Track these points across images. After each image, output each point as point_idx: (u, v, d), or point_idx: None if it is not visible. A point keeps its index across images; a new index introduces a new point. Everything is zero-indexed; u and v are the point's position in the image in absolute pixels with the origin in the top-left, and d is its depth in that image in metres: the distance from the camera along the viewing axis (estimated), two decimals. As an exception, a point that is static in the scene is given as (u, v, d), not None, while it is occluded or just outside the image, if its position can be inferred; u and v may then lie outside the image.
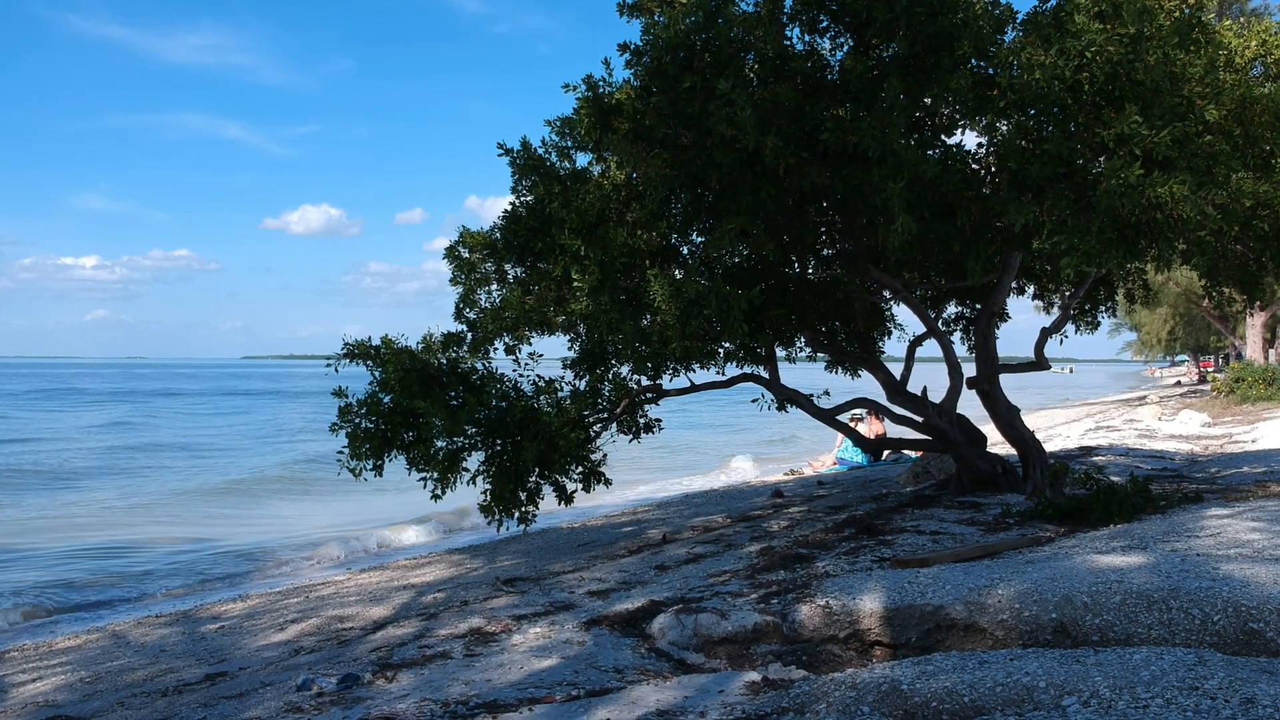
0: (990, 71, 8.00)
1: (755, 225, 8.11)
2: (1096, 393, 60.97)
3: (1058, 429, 27.82)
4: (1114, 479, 11.06)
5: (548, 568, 9.00)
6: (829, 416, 11.23)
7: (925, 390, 10.79)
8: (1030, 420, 11.01)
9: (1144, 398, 44.99)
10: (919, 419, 11.16)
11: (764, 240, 8.22)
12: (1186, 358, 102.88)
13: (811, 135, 8.26)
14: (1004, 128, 7.57)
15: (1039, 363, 11.13)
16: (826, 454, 20.80)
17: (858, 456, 19.29)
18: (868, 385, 13.28)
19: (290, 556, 12.90)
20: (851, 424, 19.90)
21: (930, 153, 7.79)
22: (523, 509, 9.65)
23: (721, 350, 9.76)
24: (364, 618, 7.30)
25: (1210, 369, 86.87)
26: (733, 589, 6.80)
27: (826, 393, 11.36)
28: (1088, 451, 17.30)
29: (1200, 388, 52.53)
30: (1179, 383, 75.06)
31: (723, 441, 30.59)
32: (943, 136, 8.49)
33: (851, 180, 7.82)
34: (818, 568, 7.23)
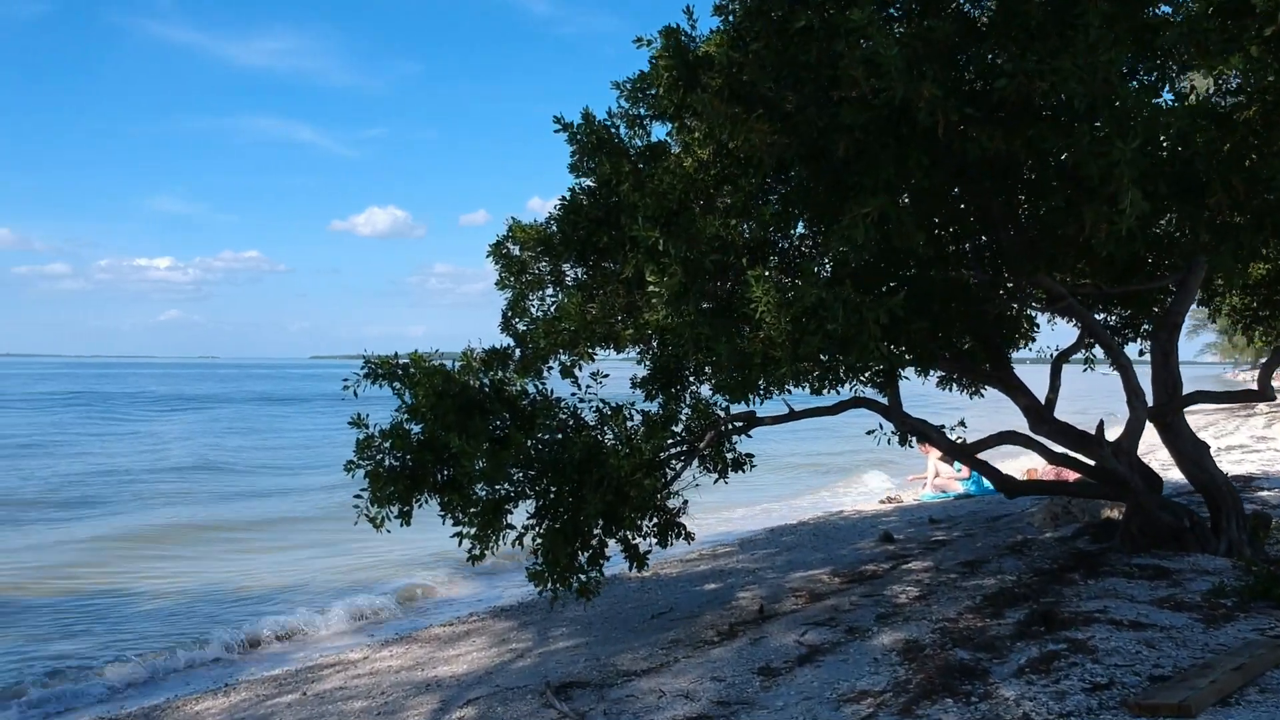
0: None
1: (900, 209, 5.91)
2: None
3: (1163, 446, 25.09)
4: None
5: (613, 662, 6.89)
6: (968, 453, 9.00)
7: (1102, 425, 8.50)
8: (1117, 434, 8.67)
9: (1251, 408, 41.70)
10: (1083, 457, 8.88)
11: (910, 228, 6.01)
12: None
13: (977, 85, 6.08)
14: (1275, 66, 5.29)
15: (1262, 393, 8.78)
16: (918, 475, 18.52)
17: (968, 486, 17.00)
18: (989, 408, 11.02)
19: (303, 615, 10.84)
20: (923, 452, 17.52)
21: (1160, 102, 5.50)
22: (583, 577, 7.55)
23: (843, 372, 7.55)
24: (362, 752, 5.24)
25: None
26: (887, 737, 4.64)
27: (963, 423, 9.11)
28: (1243, 482, 14.78)
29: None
30: (1276, 388, 71.02)
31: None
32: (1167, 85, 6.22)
33: (1044, 144, 5.60)
34: (1005, 697, 5.03)
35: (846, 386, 7.86)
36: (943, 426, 8.99)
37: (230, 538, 16.59)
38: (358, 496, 8.06)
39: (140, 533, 16.84)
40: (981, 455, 9.27)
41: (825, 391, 7.44)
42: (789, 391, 7.85)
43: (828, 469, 26.52)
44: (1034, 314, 9.40)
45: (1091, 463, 8.75)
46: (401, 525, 8.13)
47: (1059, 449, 8.94)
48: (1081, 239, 5.73)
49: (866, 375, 8.18)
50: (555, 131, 8.40)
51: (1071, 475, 16.38)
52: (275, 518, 19.12)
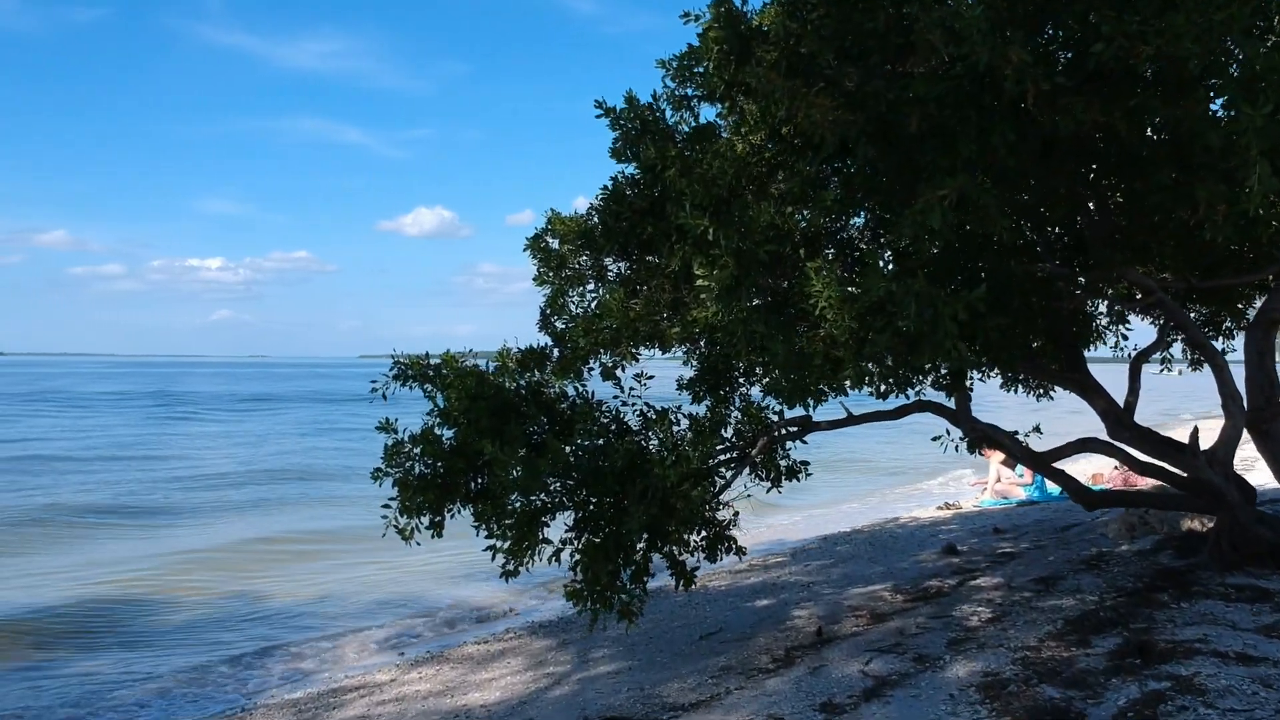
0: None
1: (982, 190, 5.24)
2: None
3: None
4: None
5: (658, 692, 6.28)
6: (1044, 462, 8.29)
7: (1196, 432, 7.76)
8: (1184, 434, 7.93)
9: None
10: (1170, 466, 8.14)
11: (992, 212, 5.34)
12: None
13: (1067, 53, 5.42)
14: None
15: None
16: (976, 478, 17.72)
17: (1030, 492, 16.19)
18: (1054, 411, 10.30)
19: (333, 629, 10.33)
20: (984, 455, 16.54)
21: None
22: (626, 597, 6.93)
23: (904, 373, 6.88)
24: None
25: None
26: (976, 799, 4.00)
27: (1037, 429, 8.41)
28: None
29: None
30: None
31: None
32: None
33: (1149, 115, 4.92)
34: (1110, 752, 4.38)
35: (914, 389, 7.20)
36: (1015, 432, 8.30)
37: (273, 549, 15.91)
38: (386, 506, 7.56)
39: (190, 545, 16.27)
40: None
41: (894, 395, 6.77)
42: (846, 394, 7.22)
43: (883, 470, 25.69)
44: (1123, 311, 8.66)
45: (1179, 471, 8.01)
46: (433, 537, 7.62)
47: (1144, 457, 8.20)
48: (1193, 222, 5.04)
49: (933, 377, 7.53)
50: (597, 117, 7.84)
51: (1141, 481, 15.48)
52: (324, 525, 18.38)
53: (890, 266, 6.49)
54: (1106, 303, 8.46)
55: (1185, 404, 51.28)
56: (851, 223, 7.71)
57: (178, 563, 14.55)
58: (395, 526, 7.58)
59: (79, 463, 28.78)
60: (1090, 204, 6.51)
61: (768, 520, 16.77)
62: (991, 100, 5.22)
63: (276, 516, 19.69)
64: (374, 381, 7.95)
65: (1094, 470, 17.06)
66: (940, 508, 16.66)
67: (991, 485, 16.84)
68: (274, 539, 16.69)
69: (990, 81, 5.11)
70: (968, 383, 7.88)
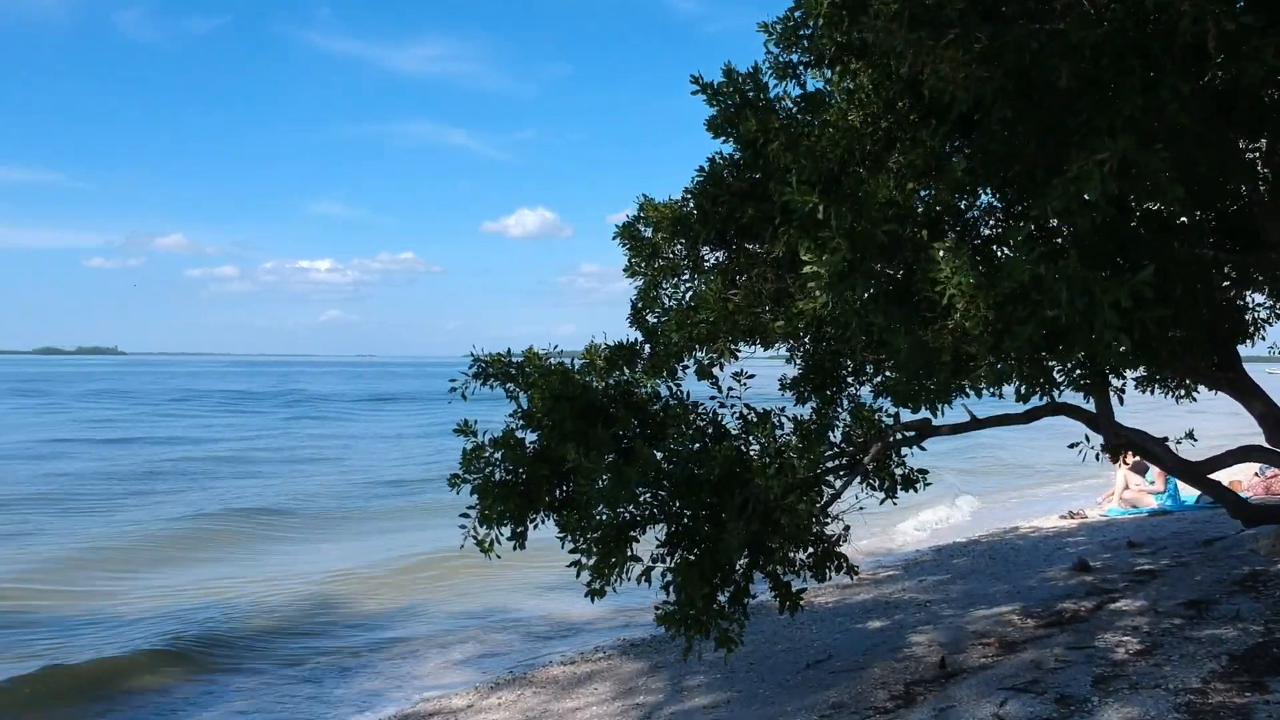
0: None
1: (1150, 153, 4.39)
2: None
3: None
4: None
5: (763, 734, 5.53)
6: (1199, 473, 7.33)
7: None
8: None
9: None
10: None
11: (1163, 180, 4.49)
12: None
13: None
14: None
15: None
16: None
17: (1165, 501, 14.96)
18: (1199, 413, 9.28)
19: (416, 642, 9.80)
20: (1122, 466, 15.19)
21: None
22: (724, 622, 6.19)
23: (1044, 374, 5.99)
24: None
25: None
26: None
27: (1191, 434, 7.45)
28: None
29: None
30: None
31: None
32: None
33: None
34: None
35: (1058, 390, 6.28)
36: (1165, 438, 7.35)
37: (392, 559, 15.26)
38: (464, 515, 6.97)
39: (312, 556, 15.87)
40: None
41: (1037, 396, 5.88)
42: (969, 395, 6.36)
43: (996, 472, 24.28)
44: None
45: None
46: (515, 548, 7.01)
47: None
48: None
49: (1071, 376, 6.64)
50: (693, 93, 7.11)
51: (1284, 488, 14.16)
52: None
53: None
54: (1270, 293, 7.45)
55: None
56: (978, 201, 6.87)
57: (290, 574, 14.14)
58: (474, 537, 7.00)
59: (281, 464, 28.90)
60: (1268, 173, 5.58)
61: (874, 529, 15.85)
62: (1160, 46, 4.36)
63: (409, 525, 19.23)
64: (453, 380, 7.40)
65: (1231, 477, 15.76)
66: (1063, 516, 15.53)
67: (1119, 493, 15.64)
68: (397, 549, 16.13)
69: (1159, 23, 4.26)
70: (1116, 383, 6.95)
